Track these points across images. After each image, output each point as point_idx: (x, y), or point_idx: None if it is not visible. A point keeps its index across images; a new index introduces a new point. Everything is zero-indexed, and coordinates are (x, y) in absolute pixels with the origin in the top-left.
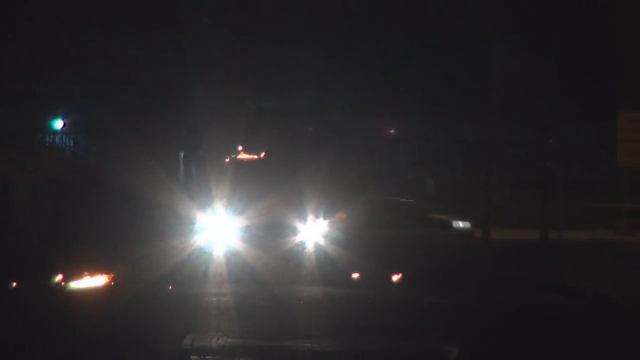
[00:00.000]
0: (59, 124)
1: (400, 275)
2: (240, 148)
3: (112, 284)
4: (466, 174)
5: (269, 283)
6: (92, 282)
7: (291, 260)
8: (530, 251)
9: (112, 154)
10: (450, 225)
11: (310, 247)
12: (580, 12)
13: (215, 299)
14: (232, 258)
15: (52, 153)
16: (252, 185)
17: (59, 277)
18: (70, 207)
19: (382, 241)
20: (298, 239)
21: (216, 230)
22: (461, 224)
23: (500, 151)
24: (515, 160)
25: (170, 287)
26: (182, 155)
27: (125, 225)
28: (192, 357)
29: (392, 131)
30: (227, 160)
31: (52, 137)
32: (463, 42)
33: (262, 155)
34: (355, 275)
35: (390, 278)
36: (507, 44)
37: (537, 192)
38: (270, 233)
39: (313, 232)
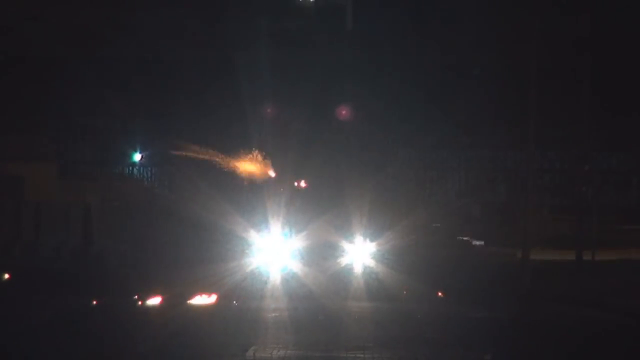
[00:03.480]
0: (137, 157)
1: (443, 291)
2: (294, 174)
3: (179, 301)
4: (508, 200)
5: (322, 299)
6: (164, 300)
7: (342, 278)
8: (566, 270)
9: (181, 183)
10: (471, 245)
11: (358, 266)
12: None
13: (274, 314)
14: (287, 277)
15: (130, 183)
16: (304, 209)
17: (134, 296)
18: (146, 232)
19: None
20: (347, 259)
21: (272, 252)
22: (477, 242)
23: (538, 178)
24: (553, 186)
25: (235, 302)
26: (243, 182)
27: (192, 248)
28: None
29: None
30: (281, 188)
31: (130, 168)
32: (497, 73)
33: (302, 183)
34: (403, 292)
35: (434, 293)
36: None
37: (573, 215)
38: (322, 254)
39: (361, 253)
